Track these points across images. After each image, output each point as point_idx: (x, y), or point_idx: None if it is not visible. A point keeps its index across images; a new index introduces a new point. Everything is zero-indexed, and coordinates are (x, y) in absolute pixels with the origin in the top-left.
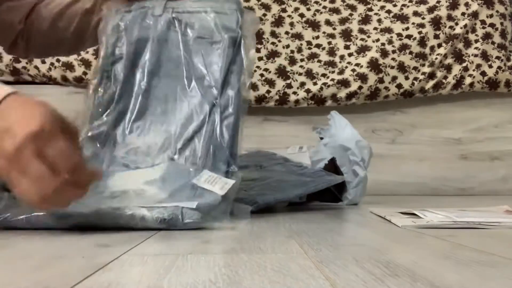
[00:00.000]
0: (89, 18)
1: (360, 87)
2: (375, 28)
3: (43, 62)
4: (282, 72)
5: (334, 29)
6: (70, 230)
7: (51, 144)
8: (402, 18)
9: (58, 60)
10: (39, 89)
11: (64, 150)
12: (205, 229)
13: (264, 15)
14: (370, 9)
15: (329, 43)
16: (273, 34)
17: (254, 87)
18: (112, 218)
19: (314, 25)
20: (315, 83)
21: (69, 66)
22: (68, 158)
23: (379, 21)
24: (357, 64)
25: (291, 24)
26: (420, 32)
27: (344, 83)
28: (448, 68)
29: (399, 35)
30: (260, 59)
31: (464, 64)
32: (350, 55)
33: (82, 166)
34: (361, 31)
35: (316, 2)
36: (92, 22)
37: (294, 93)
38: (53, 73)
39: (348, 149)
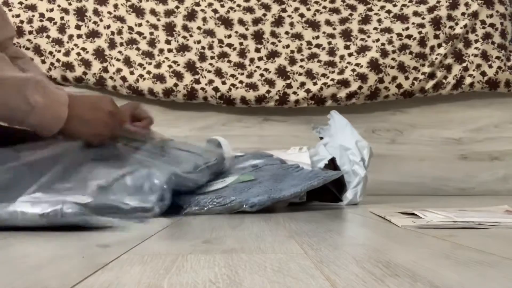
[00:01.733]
0: None
1: (360, 87)
2: (375, 28)
3: (43, 62)
4: (282, 72)
5: (334, 29)
6: (70, 230)
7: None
8: (402, 18)
9: (58, 60)
10: None
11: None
12: (205, 229)
13: (264, 15)
14: (370, 9)
15: (329, 43)
16: (273, 34)
17: (254, 87)
18: None
19: (314, 25)
20: (315, 83)
21: (69, 66)
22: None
23: (379, 21)
24: (357, 64)
25: (291, 24)
26: (420, 32)
27: (344, 83)
28: (448, 68)
29: (399, 35)
30: (260, 59)
31: (464, 64)
32: (350, 55)
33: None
34: (361, 31)
35: (316, 2)
36: None
37: (294, 93)
38: (53, 73)
39: (348, 149)
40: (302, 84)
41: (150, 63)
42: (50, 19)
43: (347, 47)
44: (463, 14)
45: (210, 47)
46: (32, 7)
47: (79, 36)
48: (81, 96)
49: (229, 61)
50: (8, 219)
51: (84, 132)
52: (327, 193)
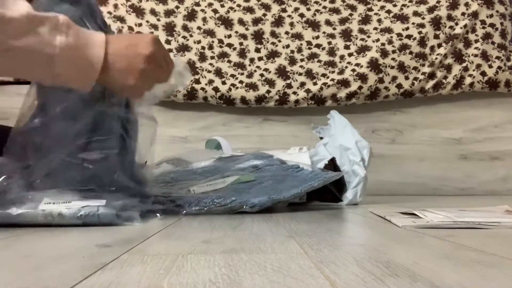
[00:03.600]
0: None
1: (360, 87)
2: (375, 28)
3: None
4: (282, 72)
5: (334, 29)
6: (70, 230)
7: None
8: (402, 18)
9: None
10: None
11: (168, 55)
12: (205, 229)
13: (264, 15)
14: (370, 9)
15: (329, 43)
16: (273, 34)
17: (254, 87)
18: (30, 217)
19: (314, 25)
20: (315, 83)
21: None
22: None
23: (379, 21)
24: (357, 64)
25: (291, 24)
26: (420, 32)
27: (344, 83)
28: (448, 68)
29: (399, 35)
30: (260, 59)
31: (464, 64)
32: (350, 55)
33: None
34: (361, 31)
35: (316, 2)
36: None
37: (294, 93)
38: None
39: (348, 149)
40: (302, 84)
41: None
42: None
43: (347, 47)
44: (463, 14)
45: (210, 47)
46: None
47: None
48: (117, 37)
49: (229, 61)
50: (46, 219)
51: (118, 85)
52: (327, 193)
